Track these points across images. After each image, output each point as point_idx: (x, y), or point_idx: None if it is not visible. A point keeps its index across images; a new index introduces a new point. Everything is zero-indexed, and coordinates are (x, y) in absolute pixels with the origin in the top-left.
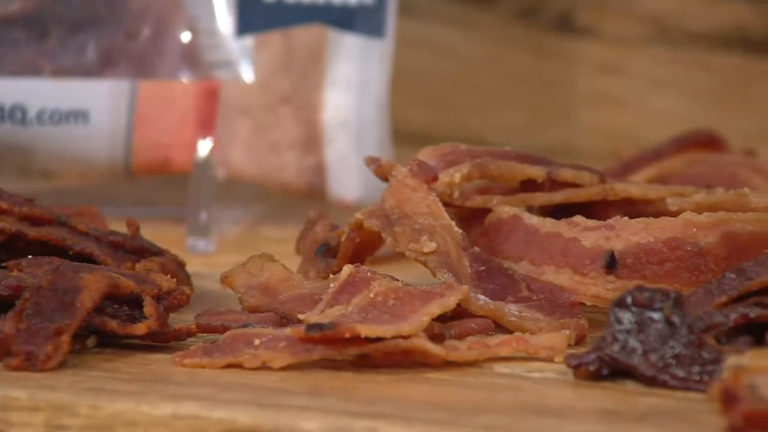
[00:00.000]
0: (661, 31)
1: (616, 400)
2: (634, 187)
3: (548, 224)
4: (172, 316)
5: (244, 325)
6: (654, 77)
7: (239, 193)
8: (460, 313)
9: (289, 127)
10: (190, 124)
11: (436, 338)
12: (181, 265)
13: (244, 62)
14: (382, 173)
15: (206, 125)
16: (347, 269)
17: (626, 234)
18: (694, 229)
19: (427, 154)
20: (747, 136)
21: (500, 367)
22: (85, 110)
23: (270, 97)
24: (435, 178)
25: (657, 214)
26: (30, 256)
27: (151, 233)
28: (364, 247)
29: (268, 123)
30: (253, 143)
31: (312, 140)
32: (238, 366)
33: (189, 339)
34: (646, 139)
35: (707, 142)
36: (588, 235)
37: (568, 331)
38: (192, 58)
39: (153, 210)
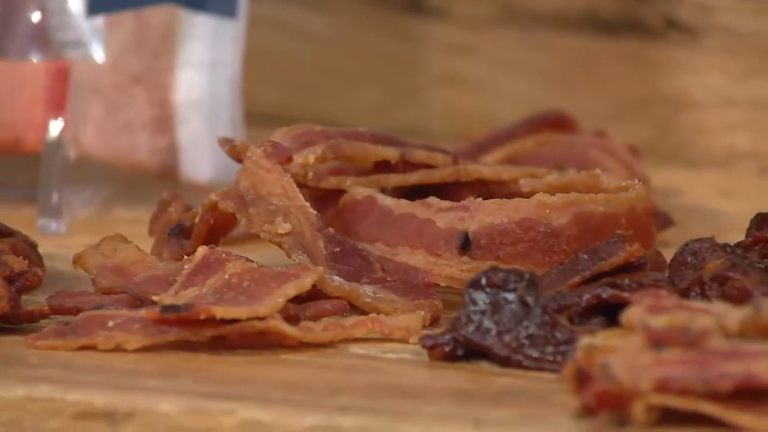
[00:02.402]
0: (510, 13)
1: (470, 380)
2: (487, 168)
3: (402, 205)
4: (24, 297)
5: (98, 307)
6: (503, 59)
7: (91, 174)
8: (315, 294)
9: (141, 107)
10: (40, 105)
11: (292, 319)
12: (32, 246)
13: (95, 42)
14: (236, 154)
15: (57, 105)
16: (202, 250)
17: (480, 215)
18: (547, 210)
19: (281, 136)
20: (597, 117)
21: (356, 348)
22: None
23: (122, 78)
24: (289, 159)
25: (510, 195)
26: None
27: (2, 214)
28: (219, 228)
29: (120, 103)
30: (105, 123)
31: (164, 120)
32: (93, 348)
33: (42, 321)
34: (496, 120)
35: (558, 122)
36: (442, 216)
37: (422, 312)
38: (42, 38)
39: (3, 191)
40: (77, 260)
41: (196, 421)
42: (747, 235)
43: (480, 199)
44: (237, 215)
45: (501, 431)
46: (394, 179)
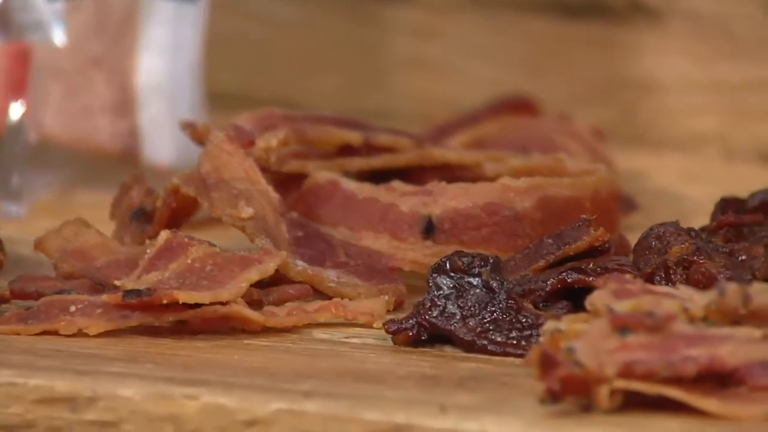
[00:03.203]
0: None
1: (434, 365)
2: (451, 152)
3: (366, 189)
4: None
5: (60, 292)
6: (468, 42)
7: (52, 157)
8: (278, 278)
9: (101, 90)
10: (0, 88)
11: (255, 304)
12: None
13: (55, 25)
14: (198, 138)
15: (17, 88)
16: (164, 234)
17: (444, 199)
18: (511, 194)
19: (243, 119)
20: (561, 100)
21: (319, 333)
22: None
23: (82, 61)
24: (252, 143)
25: (474, 179)
26: None
27: None
28: (181, 212)
29: (81, 86)
30: (65, 107)
31: (125, 104)
32: (54, 333)
33: (3, 305)
34: (461, 104)
35: (521, 106)
36: (406, 200)
37: (386, 297)
38: (2, 20)
39: None
40: (38, 244)
41: (159, 405)
42: (711, 219)
43: (444, 183)
44: (199, 199)
45: (466, 416)
46: (358, 163)
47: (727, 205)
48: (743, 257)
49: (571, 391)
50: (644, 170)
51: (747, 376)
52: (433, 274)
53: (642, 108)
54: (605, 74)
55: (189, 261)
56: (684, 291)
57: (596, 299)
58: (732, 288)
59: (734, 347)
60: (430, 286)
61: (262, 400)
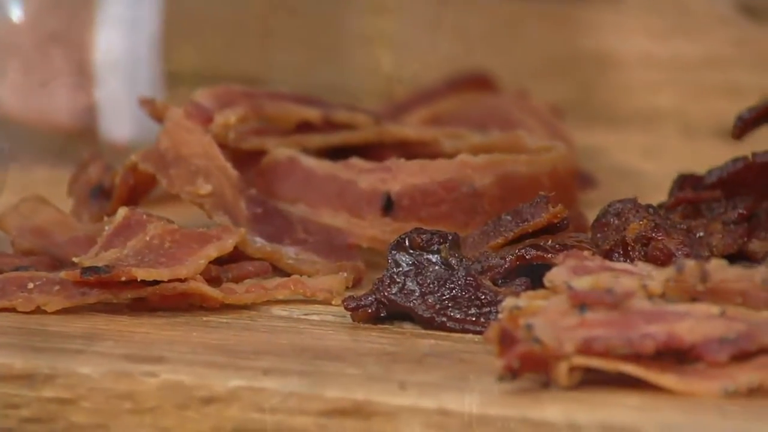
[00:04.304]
0: None
1: (394, 342)
2: (410, 128)
3: (325, 166)
4: None
5: (17, 268)
6: (426, 18)
7: (9, 134)
8: (237, 255)
9: (59, 66)
10: None
11: (214, 281)
12: None
13: (12, 0)
14: (157, 114)
15: None
16: (122, 211)
17: (403, 176)
18: (470, 171)
19: (202, 95)
20: (520, 77)
21: (278, 310)
22: None
23: (39, 37)
24: (210, 120)
25: (433, 156)
26: None
27: None
28: (139, 189)
29: (38, 62)
30: (22, 83)
31: (83, 80)
32: (12, 310)
33: None
34: (420, 81)
35: (479, 82)
36: (365, 177)
37: (345, 274)
38: None
39: None
40: None
41: (118, 383)
42: (669, 196)
43: (403, 159)
44: (158, 176)
45: (425, 393)
46: (317, 140)
47: (684, 181)
48: (701, 234)
49: (530, 367)
50: (602, 147)
51: (704, 353)
52: (392, 251)
53: (600, 84)
54: (563, 51)
55: (147, 238)
56: (642, 268)
57: (555, 276)
58: (690, 265)
59: (692, 324)
60: (389, 263)
61: (221, 377)
